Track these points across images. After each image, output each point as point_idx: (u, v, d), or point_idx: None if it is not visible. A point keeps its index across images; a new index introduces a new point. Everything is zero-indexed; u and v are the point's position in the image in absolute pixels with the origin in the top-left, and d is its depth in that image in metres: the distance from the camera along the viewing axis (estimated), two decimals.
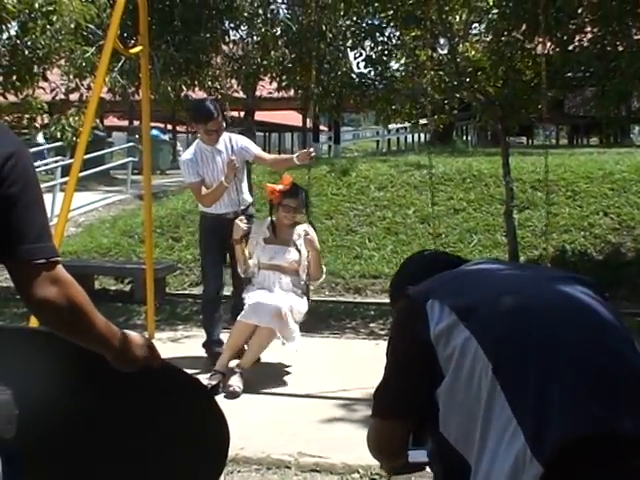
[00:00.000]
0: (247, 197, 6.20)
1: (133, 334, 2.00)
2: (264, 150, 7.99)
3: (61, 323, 1.81)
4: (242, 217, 5.84)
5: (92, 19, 7.75)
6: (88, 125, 5.69)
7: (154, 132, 18.67)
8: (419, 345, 1.83)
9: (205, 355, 6.14)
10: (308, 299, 5.88)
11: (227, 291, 6.42)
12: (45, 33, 7.76)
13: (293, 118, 33.12)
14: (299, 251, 5.77)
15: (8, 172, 1.70)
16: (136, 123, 27.56)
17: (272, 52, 8.60)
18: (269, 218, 5.98)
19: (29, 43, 8.31)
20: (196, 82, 8.67)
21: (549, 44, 7.71)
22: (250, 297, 5.62)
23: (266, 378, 5.71)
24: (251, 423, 4.74)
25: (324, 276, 6.10)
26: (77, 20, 7.57)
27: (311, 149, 5.98)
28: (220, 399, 5.23)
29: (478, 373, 1.72)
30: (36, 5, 8.16)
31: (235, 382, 5.34)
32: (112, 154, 20.62)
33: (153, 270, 6.97)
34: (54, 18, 7.72)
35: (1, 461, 1.78)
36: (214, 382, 5.28)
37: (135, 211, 12.52)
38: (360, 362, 5.97)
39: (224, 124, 6.00)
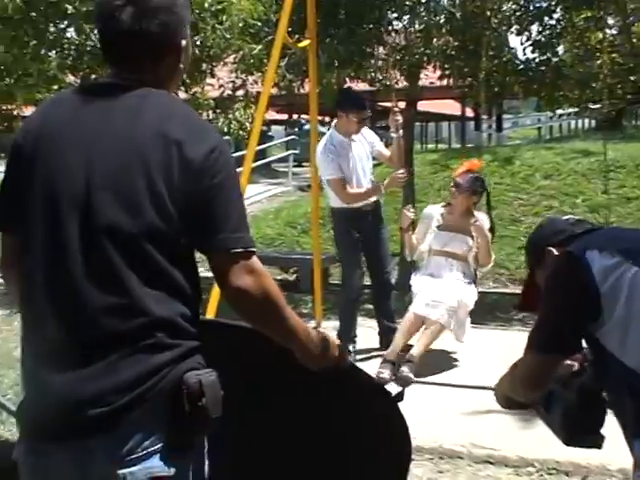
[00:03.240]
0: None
1: (321, 332, 2.03)
2: (422, 140, 7.89)
3: (254, 313, 1.85)
4: (409, 206, 5.89)
5: (259, 16, 7.95)
6: (259, 119, 5.85)
7: None
8: (582, 285, 2.09)
9: (375, 345, 6.18)
10: (476, 286, 5.88)
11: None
12: (215, 32, 8.02)
13: (449, 107, 32.69)
14: (471, 237, 5.75)
15: (211, 164, 1.78)
16: (295, 116, 28.14)
17: (435, 40, 8.51)
18: (431, 206, 6.02)
19: (199, 42, 8.63)
20: (360, 74, 8.73)
21: None
22: (420, 287, 5.64)
23: (435, 368, 5.70)
24: (422, 412, 4.74)
25: (492, 263, 6.02)
26: (245, 18, 7.78)
27: (398, 116, 6.01)
28: (392, 386, 5.27)
29: None
30: (205, 5, 8.46)
31: (406, 371, 5.38)
32: (272, 147, 21.17)
33: (321, 260, 7.09)
34: (223, 17, 7.97)
35: (206, 439, 1.87)
36: (385, 371, 5.35)
37: (297, 202, 12.79)
38: None
39: (367, 117, 6.03)
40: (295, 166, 16.62)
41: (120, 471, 1.71)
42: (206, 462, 1.88)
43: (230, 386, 1.81)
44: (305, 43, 6.41)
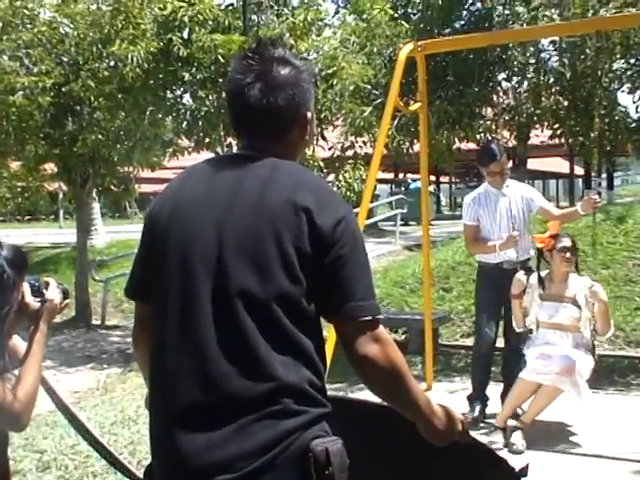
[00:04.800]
0: (529, 249, 6.00)
1: (444, 406, 2.01)
2: None
3: (379, 381, 1.87)
4: (522, 271, 5.70)
5: (369, 80, 8.10)
6: (372, 179, 5.93)
7: (418, 184, 19.04)
8: None
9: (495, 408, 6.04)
10: (594, 356, 5.54)
11: (499, 343, 6.26)
12: (326, 96, 8.22)
13: (557, 164, 32.23)
14: (578, 307, 5.47)
15: (339, 235, 1.82)
16: (400, 175, 28.27)
17: (544, 100, 8.46)
18: (535, 273, 5.72)
19: None
20: (469, 134, 8.74)
21: None
22: (532, 354, 5.45)
23: (550, 435, 5.51)
24: None
25: (612, 330, 5.75)
26: (356, 82, 7.94)
27: (595, 196, 5.69)
28: (504, 454, 5.12)
29: None
30: (316, 70, 8.70)
31: (518, 440, 5.24)
32: (377, 206, 21.26)
33: (431, 320, 7.04)
34: (334, 81, 8.17)
35: None
36: (497, 440, 5.25)
37: (405, 262, 12.71)
38: None
39: (508, 167, 5.95)
40: (402, 225, 16.63)
41: None
42: None
43: (352, 459, 1.80)
44: (416, 107, 6.48)
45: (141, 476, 2.08)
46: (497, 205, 5.89)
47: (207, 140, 10.01)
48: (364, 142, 9.12)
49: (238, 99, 1.97)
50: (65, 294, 2.86)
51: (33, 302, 2.72)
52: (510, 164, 6.10)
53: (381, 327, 1.86)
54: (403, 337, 9.11)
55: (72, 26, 10.49)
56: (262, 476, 1.72)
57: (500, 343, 6.20)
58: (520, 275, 5.62)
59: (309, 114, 2.03)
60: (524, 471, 2.17)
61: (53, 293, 2.78)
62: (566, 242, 5.59)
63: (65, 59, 10.15)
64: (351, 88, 8.01)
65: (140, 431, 5.63)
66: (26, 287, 2.72)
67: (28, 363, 2.60)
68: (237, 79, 1.97)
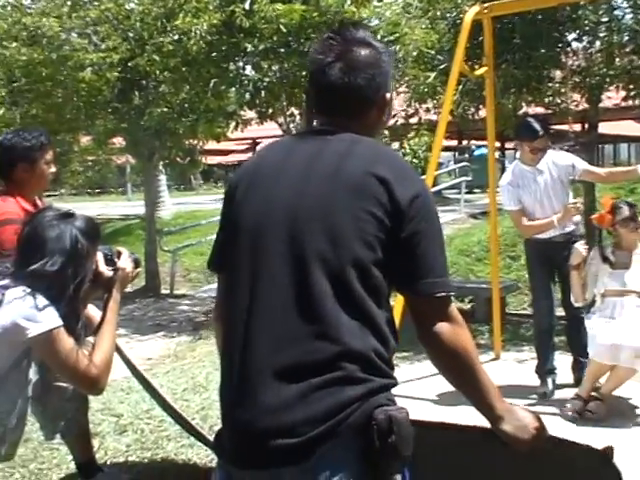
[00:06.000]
0: (575, 217, 5.83)
1: (515, 405, 1.97)
2: (598, 162, 7.47)
3: (446, 360, 1.89)
4: (582, 242, 5.55)
5: (432, 45, 7.98)
6: (438, 146, 5.85)
7: (484, 150, 18.77)
8: None
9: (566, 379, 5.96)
10: None
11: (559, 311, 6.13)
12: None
13: (628, 127, 31.30)
14: None
15: (416, 210, 1.84)
16: (464, 142, 27.89)
17: (618, 60, 8.19)
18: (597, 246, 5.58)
19: None
20: (537, 98, 8.52)
21: None
22: (601, 332, 5.23)
23: (617, 412, 5.37)
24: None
25: None
26: (419, 48, 7.84)
27: None
28: (576, 426, 5.06)
29: None
30: (379, 36, 8.59)
31: (595, 408, 5.15)
32: (441, 174, 21.03)
33: (499, 289, 6.95)
34: (397, 47, 8.06)
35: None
36: (574, 408, 5.19)
37: (470, 230, 12.60)
38: None
39: (549, 143, 5.78)
40: (466, 193, 16.43)
41: None
42: None
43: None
44: (482, 71, 6.36)
45: (212, 439, 2.11)
46: (535, 182, 5.73)
47: (270, 111, 10.03)
48: (428, 109, 8.99)
49: (319, 78, 2.02)
50: (137, 263, 2.93)
51: (106, 271, 2.80)
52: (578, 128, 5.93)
53: (453, 306, 1.89)
54: (469, 306, 9.04)
55: (137, 1, 10.64)
56: (325, 442, 1.73)
57: (561, 311, 6.07)
58: (579, 245, 5.44)
59: (388, 95, 2.06)
60: (609, 453, 2.10)
61: (125, 262, 2.86)
62: (625, 212, 5.39)
63: (131, 34, 10.26)
64: (414, 54, 7.90)
65: (211, 397, 5.74)
66: (99, 256, 2.80)
67: (103, 330, 2.71)
68: (318, 59, 2.02)
